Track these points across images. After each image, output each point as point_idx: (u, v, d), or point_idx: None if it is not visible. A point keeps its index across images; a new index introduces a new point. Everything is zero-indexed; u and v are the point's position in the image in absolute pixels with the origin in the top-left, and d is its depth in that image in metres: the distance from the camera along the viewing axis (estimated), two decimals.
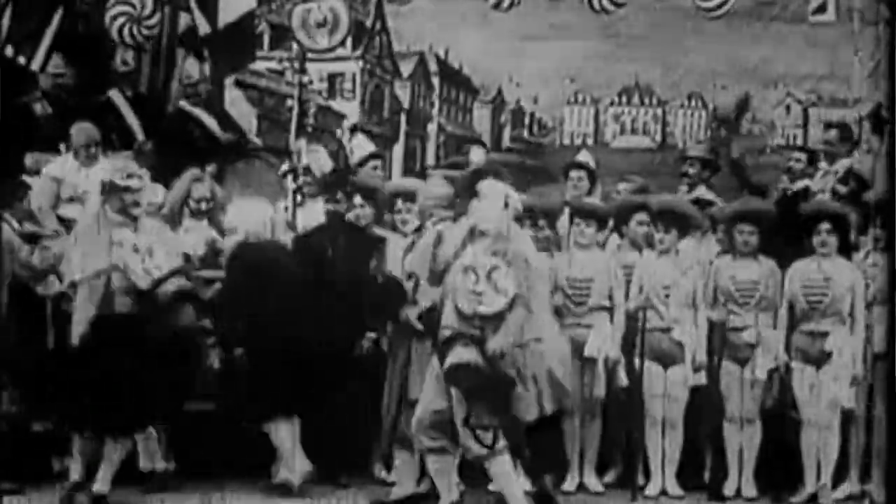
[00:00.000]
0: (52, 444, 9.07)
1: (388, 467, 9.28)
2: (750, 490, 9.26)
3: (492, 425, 8.23)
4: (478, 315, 8.18)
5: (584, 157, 10.52)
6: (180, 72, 10.83)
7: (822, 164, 10.56)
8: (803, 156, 10.70)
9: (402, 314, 8.88)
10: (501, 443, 8.28)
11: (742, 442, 9.26)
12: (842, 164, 10.37)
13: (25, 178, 9.85)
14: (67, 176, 9.68)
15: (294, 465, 9.05)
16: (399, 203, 9.44)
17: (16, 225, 9.25)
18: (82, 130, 9.90)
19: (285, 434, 9.05)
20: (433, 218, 8.81)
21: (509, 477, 8.37)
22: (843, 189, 10.15)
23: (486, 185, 8.44)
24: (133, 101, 10.77)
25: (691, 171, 10.50)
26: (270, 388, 8.95)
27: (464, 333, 8.18)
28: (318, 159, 10.19)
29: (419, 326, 8.77)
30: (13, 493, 8.81)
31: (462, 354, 8.12)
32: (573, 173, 10.27)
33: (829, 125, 10.74)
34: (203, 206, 9.54)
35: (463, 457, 8.48)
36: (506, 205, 8.36)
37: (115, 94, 10.76)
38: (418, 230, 9.05)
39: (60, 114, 10.62)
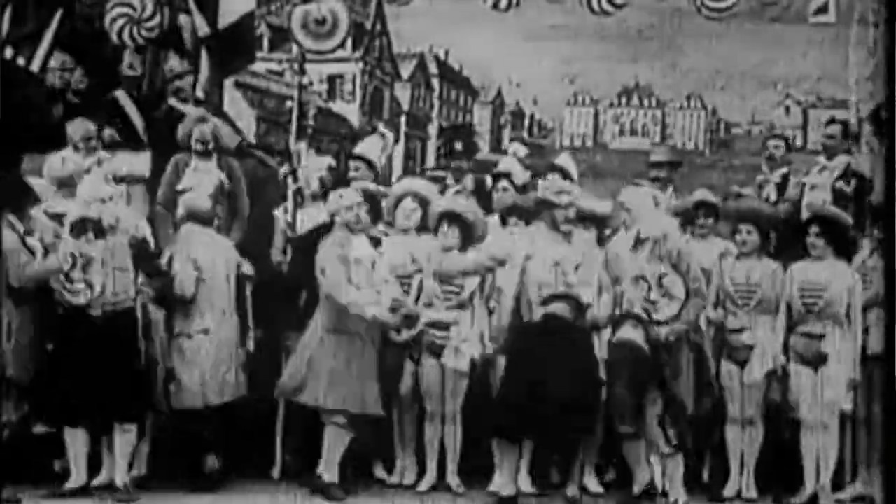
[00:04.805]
0: (52, 446, 9.08)
1: None
2: (750, 491, 9.25)
3: (683, 426, 8.66)
4: (654, 321, 8.64)
5: (562, 160, 10.51)
6: (164, 69, 10.81)
7: (821, 159, 10.53)
8: (781, 142, 10.69)
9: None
10: (687, 443, 8.71)
11: (743, 443, 9.25)
12: (840, 161, 10.34)
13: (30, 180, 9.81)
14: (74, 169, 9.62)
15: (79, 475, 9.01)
16: (406, 202, 9.50)
17: (21, 230, 9.22)
18: (78, 126, 9.99)
19: (76, 441, 8.97)
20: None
21: (680, 477, 8.79)
22: (846, 188, 10.13)
23: (630, 193, 9.03)
24: (136, 101, 10.76)
25: (657, 174, 10.49)
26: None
27: (637, 315, 8.66)
28: (315, 162, 10.21)
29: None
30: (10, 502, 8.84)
31: (628, 332, 8.63)
32: (550, 175, 10.27)
33: (832, 120, 10.71)
34: (200, 146, 9.74)
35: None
36: (656, 204, 8.60)
37: (120, 95, 10.75)
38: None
39: (71, 114, 10.60)
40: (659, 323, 8.68)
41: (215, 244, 9.42)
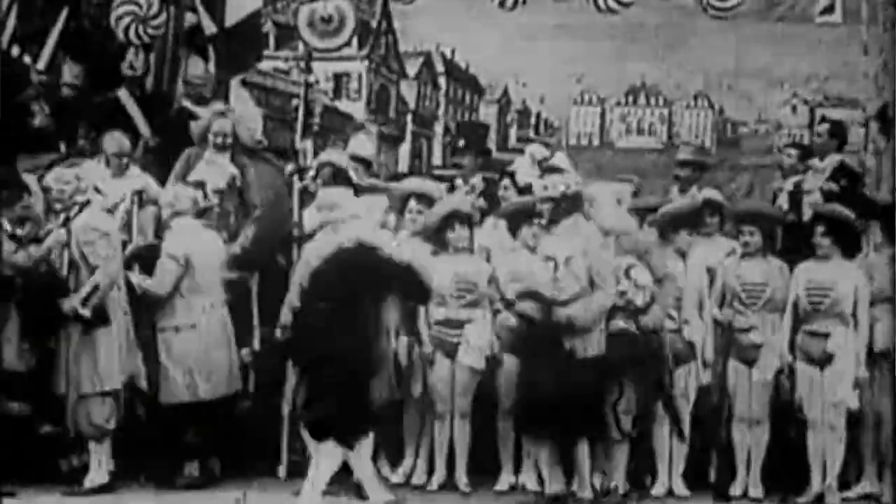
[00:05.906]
0: (59, 445, 9.08)
1: None
2: (756, 491, 9.25)
3: (635, 412, 8.69)
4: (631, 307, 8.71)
5: (558, 160, 10.50)
6: (184, 71, 10.82)
7: (814, 161, 10.52)
8: (794, 151, 10.67)
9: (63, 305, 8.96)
10: (636, 431, 8.71)
11: (750, 442, 9.25)
12: (831, 161, 10.33)
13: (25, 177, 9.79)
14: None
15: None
16: (412, 202, 9.49)
17: (8, 227, 9.22)
18: (114, 140, 9.98)
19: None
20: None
21: (623, 467, 8.83)
22: (834, 187, 10.13)
23: (595, 191, 8.96)
24: (140, 100, 10.76)
25: (682, 173, 10.48)
26: None
27: (625, 307, 8.68)
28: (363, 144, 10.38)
29: (84, 312, 8.87)
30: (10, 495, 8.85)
31: (621, 323, 8.67)
32: (548, 177, 10.23)
33: (822, 119, 10.72)
34: (220, 140, 9.82)
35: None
36: (619, 202, 8.63)
37: (123, 94, 10.76)
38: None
39: (65, 113, 10.61)
40: (638, 310, 8.73)
41: (204, 237, 9.37)
